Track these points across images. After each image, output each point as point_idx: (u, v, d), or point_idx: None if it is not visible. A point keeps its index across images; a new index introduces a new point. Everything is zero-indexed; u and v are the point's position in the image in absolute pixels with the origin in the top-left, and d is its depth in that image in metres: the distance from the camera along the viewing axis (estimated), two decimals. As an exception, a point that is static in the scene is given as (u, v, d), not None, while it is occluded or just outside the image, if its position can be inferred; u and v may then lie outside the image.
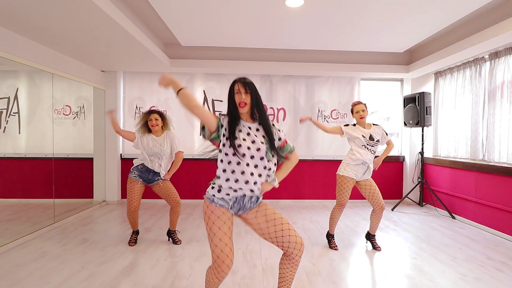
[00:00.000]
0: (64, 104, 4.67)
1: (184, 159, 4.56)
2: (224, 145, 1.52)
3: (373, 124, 2.87)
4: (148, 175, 2.87)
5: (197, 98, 4.79)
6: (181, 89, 1.53)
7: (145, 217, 3.89)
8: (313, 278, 2.29)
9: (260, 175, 1.54)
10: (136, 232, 2.99)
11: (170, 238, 3.02)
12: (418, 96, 4.23)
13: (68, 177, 4.58)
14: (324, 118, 4.95)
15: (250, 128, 1.56)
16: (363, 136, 2.74)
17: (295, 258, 1.54)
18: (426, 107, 4.18)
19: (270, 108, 4.90)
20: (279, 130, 1.64)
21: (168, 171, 2.92)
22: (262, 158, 1.52)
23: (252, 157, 1.50)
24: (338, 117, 4.96)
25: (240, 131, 1.53)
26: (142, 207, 4.36)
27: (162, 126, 2.89)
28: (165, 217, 3.90)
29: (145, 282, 2.18)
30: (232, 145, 1.48)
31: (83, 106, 4.68)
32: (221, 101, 4.80)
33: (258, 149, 1.50)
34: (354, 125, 2.84)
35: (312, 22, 3.37)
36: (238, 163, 1.49)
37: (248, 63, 4.42)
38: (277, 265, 2.38)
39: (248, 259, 2.60)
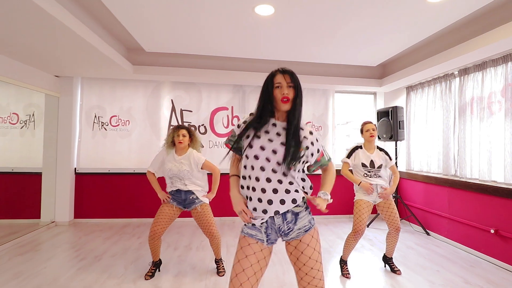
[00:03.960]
0: (10, 112, 4.16)
1: (140, 173, 4.23)
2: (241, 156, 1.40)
3: (378, 148, 2.73)
4: (181, 196, 2.49)
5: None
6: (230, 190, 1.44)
7: (99, 240, 3.44)
8: (284, 314, 2.02)
9: (284, 190, 1.29)
10: (156, 264, 2.58)
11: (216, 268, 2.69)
12: (391, 110, 4.19)
13: (11, 194, 4.03)
14: (298, 131, 4.78)
15: (275, 125, 1.34)
16: (363, 165, 2.63)
17: None
18: (399, 121, 4.14)
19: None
20: (317, 140, 1.38)
21: (209, 190, 2.60)
22: (278, 163, 1.27)
23: (267, 159, 1.28)
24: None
25: (257, 135, 1.33)
26: (93, 228, 3.88)
27: (189, 144, 2.58)
28: (120, 242, 3.47)
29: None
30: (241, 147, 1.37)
31: (33, 115, 4.19)
32: (191, 111, 4.49)
33: (274, 151, 1.27)
34: (359, 147, 2.71)
35: (285, 32, 3.20)
36: (257, 178, 1.28)
37: (220, 72, 4.19)
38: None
39: (211, 293, 2.29)
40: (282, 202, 1.28)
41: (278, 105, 1.31)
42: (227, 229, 4.00)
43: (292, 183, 1.29)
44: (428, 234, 3.90)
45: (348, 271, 2.67)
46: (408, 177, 4.35)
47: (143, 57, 3.96)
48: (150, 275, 2.50)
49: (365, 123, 2.76)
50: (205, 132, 4.55)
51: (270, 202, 1.27)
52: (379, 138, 4.50)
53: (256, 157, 1.28)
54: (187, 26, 3.10)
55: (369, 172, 2.63)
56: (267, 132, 1.32)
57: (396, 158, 4.35)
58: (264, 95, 1.34)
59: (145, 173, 4.23)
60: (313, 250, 1.30)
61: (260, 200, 1.28)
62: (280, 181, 1.27)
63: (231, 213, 4.42)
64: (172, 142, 2.58)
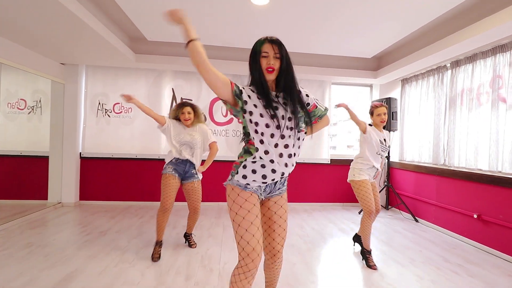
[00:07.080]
0: (18, 98, 4.34)
1: (142, 159, 4.42)
2: (251, 121, 1.32)
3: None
4: (185, 167, 2.65)
5: (165, 96, 4.61)
6: (192, 40, 1.27)
7: (103, 219, 3.65)
8: (271, 283, 2.20)
9: (290, 154, 1.36)
10: (160, 244, 2.62)
11: (186, 241, 2.93)
12: (384, 101, 4.31)
13: (20, 177, 4.24)
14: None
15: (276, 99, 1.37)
16: (380, 142, 2.60)
17: (270, 266, 1.53)
18: (392, 112, 4.27)
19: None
20: (307, 95, 1.45)
21: (203, 163, 2.72)
22: (291, 128, 1.35)
23: (278, 127, 1.33)
24: (309, 120, 4.95)
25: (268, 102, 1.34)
26: (98, 209, 4.10)
27: (193, 120, 2.73)
28: (123, 221, 3.67)
29: (87, 291, 2.00)
30: (274, 116, 1.31)
31: (39, 101, 4.37)
32: (191, 100, 4.65)
33: (290, 119, 1.35)
34: (370, 125, 2.69)
35: (280, 22, 3.33)
36: (275, 144, 1.32)
37: (219, 62, 4.32)
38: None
39: (206, 264, 2.48)
40: (292, 165, 1.40)
41: (263, 74, 1.34)
42: (225, 213, 4.20)
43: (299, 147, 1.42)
44: (416, 221, 4.06)
45: (373, 262, 2.54)
46: (400, 167, 4.49)
47: (145, 46, 4.11)
48: (158, 257, 2.52)
49: (376, 106, 2.64)
50: (205, 121, 4.69)
51: (286, 165, 1.35)
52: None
53: (267, 126, 1.31)
54: (188, 16, 3.23)
55: (382, 150, 2.61)
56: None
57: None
58: (253, 65, 1.35)
59: (147, 158, 4.45)
60: (287, 205, 1.51)
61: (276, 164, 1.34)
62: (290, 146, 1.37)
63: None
64: (175, 119, 2.71)
